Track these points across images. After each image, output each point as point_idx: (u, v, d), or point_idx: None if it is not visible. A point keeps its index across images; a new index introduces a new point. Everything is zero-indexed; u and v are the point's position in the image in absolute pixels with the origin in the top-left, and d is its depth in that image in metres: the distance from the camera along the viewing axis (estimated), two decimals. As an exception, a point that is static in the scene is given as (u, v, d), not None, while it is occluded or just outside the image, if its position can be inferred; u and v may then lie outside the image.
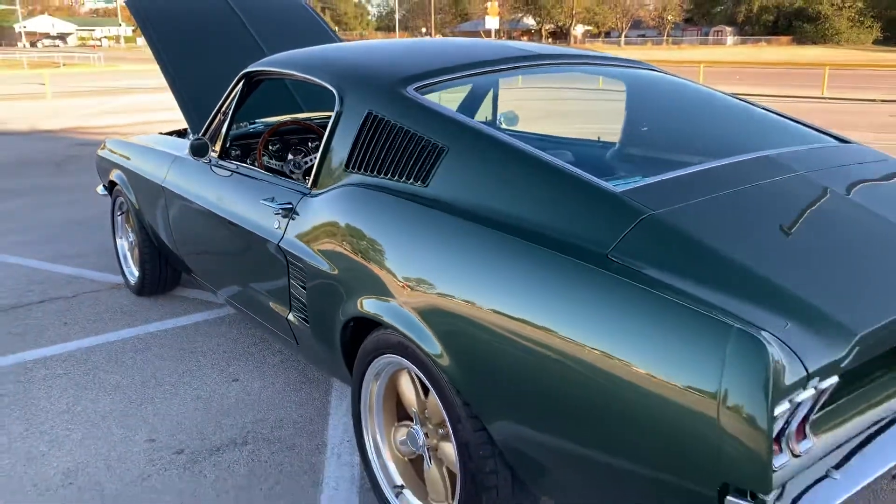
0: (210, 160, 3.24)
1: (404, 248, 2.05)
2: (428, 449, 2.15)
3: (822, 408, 1.57)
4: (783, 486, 1.45)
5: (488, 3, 46.82)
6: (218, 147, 3.22)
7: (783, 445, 1.46)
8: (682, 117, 2.82)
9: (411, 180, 2.19)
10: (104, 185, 4.52)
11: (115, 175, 4.25)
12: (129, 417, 2.97)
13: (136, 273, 4.27)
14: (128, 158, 4.10)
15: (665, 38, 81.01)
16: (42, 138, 11.49)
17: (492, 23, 45.01)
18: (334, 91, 2.55)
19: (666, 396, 1.43)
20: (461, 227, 1.93)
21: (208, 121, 3.37)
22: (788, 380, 1.34)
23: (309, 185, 2.57)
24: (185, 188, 3.35)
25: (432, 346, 1.92)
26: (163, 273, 4.15)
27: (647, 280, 1.57)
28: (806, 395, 1.40)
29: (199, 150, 3.13)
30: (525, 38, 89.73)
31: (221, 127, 3.25)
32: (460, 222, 1.94)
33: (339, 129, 2.49)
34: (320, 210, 2.43)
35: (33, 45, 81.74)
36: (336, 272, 2.29)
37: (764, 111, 2.74)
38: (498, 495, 1.90)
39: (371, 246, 2.16)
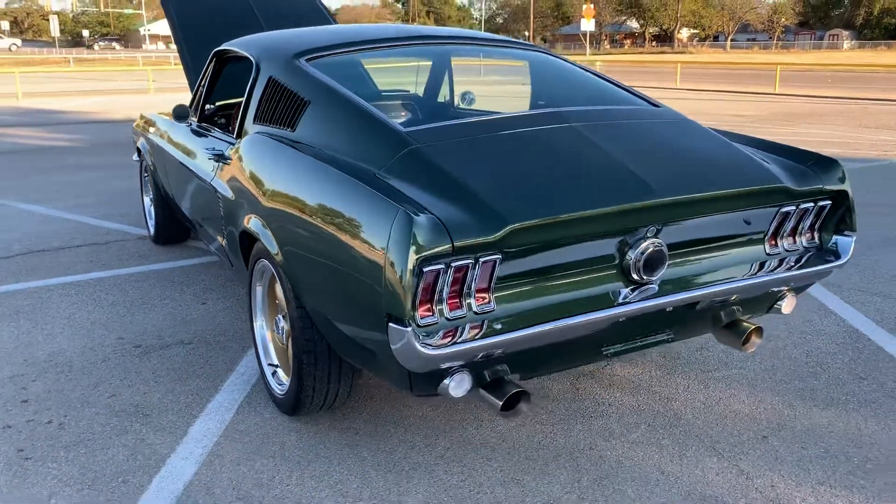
0: (190, 124, 4.00)
1: (266, 176, 2.72)
2: (285, 333, 2.81)
3: (510, 282, 2.14)
4: (458, 329, 2.03)
5: (584, 6, 46.73)
6: (197, 114, 3.97)
7: (463, 303, 2.05)
8: (541, 87, 3.37)
9: (286, 127, 2.85)
10: (136, 153, 5.39)
11: (140, 143, 5.11)
12: (112, 324, 3.76)
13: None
14: (148, 128, 4.94)
15: (774, 42, 78.42)
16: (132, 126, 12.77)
17: (587, 25, 44.92)
18: (254, 62, 3.24)
19: (371, 259, 2.04)
20: (296, 157, 2.59)
21: (193, 91, 4.14)
22: (431, 245, 1.91)
23: (234, 137, 3.27)
24: (175, 148, 4.13)
25: (273, 248, 2.58)
26: (172, 224, 4.96)
27: (384, 188, 2.18)
28: (464, 262, 1.97)
29: (179, 115, 3.89)
30: (628, 41, 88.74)
31: (201, 97, 4.00)
32: (296, 153, 2.60)
33: (254, 91, 3.18)
34: (233, 155, 3.12)
35: (89, 46, 76.33)
36: (234, 199, 2.98)
37: (612, 86, 3.23)
38: (316, 359, 2.53)
39: (251, 177, 2.84)
